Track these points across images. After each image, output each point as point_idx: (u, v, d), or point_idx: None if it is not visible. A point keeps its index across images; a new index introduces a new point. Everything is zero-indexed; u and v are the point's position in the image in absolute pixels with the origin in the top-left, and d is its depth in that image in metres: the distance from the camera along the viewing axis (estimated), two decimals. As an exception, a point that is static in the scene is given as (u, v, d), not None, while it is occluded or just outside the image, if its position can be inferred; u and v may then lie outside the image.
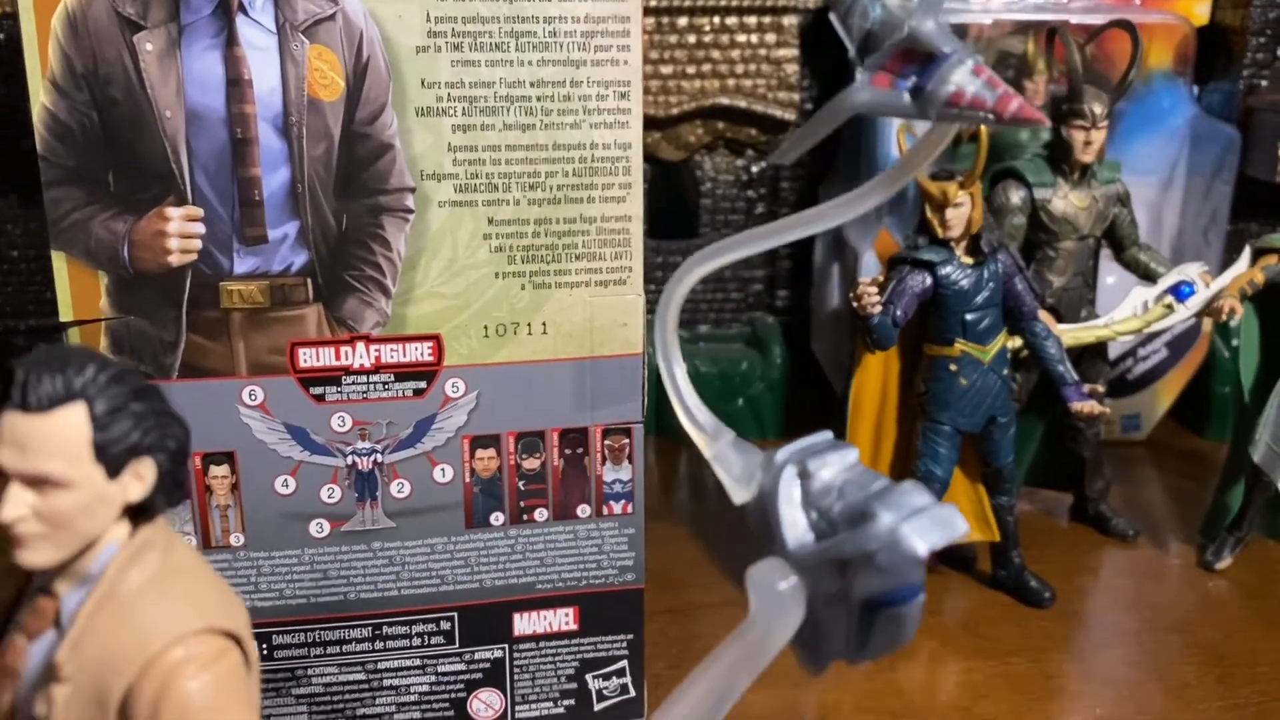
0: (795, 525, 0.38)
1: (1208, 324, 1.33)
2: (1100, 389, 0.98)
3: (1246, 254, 1.00)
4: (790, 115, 1.33)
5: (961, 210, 0.84)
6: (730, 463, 0.40)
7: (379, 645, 0.75)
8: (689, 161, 1.32)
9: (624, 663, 0.79)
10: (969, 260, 0.87)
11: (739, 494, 0.40)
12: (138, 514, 0.37)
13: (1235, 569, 1.04)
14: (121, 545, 0.35)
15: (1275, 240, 0.99)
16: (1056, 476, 1.13)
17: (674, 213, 1.35)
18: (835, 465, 0.38)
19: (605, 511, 0.76)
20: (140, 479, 0.35)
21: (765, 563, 0.38)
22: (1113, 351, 1.13)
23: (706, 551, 1.07)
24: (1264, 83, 1.35)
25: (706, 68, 1.32)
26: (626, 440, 0.76)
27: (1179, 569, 1.05)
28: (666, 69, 1.31)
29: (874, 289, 0.85)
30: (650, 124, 1.30)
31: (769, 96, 1.33)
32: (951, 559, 1.04)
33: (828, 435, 0.40)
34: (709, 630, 0.93)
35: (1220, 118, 1.32)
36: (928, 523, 0.35)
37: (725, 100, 1.31)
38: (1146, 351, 1.32)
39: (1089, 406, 0.90)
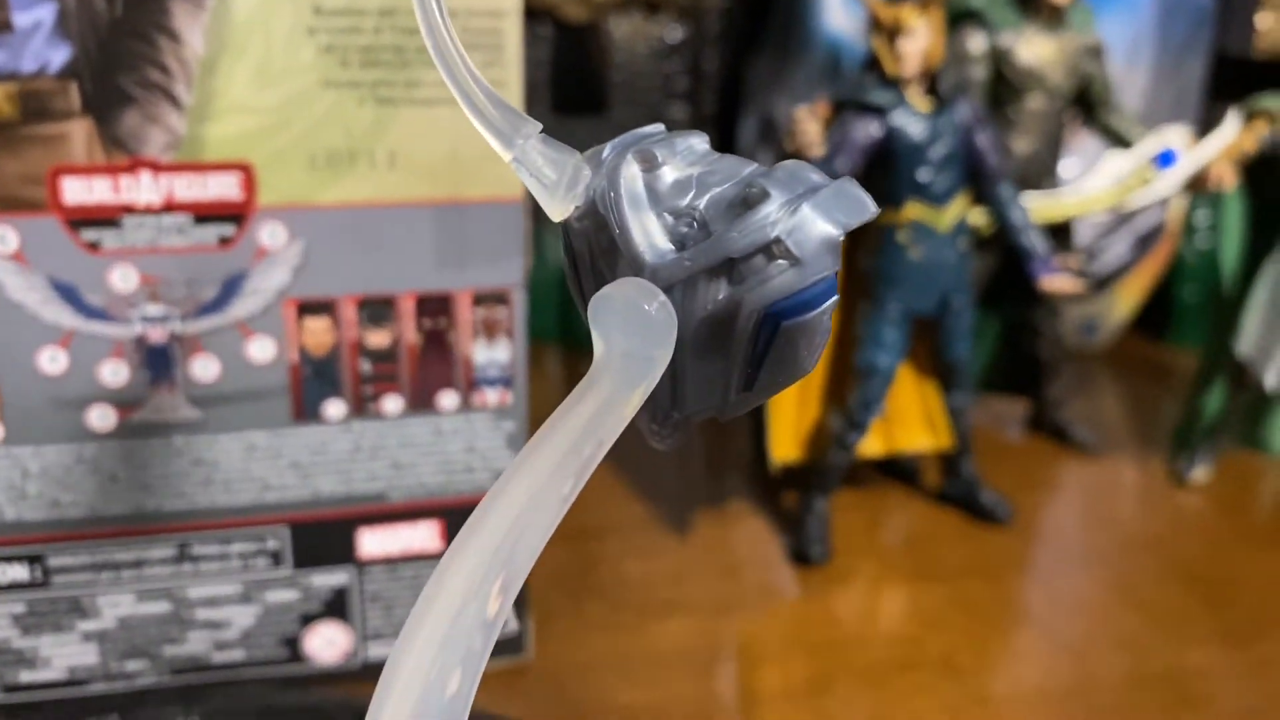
0: (648, 232, 0.27)
1: (1174, 219, 1.21)
2: (1073, 263, 0.85)
3: (1232, 119, 0.87)
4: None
5: (916, 41, 0.69)
6: (538, 167, 0.28)
7: (187, 568, 0.59)
8: (597, 25, 1.15)
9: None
10: (924, 106, 0.72)
11: (556, 207, 0.28)
12: None
13: (1210, 481, 0.92)
14: None
15: (1268, 103, 0.86)
16: (1011, 381, 1.00)
17: (579, 83, 1.18)
18: (684, 155, 0.28)
19: (477, 401, 0.61)
20: None
21: (619, 284, 0.25)
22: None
23: (612, 469, 0.92)
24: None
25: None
26: (504, 310, 0.60)
27: (1150, 482, 0.92)
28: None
29: (814, 124, 0.70)
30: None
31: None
32: (891, 471, 0.91)
33: (660, 126, 0.29)
34: (615, 554, 0.79)
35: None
36: (833, 198, 0.26)
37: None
38: (1105, 245, 1.19)
39: (1060, 282, 0.76)
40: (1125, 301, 1.22)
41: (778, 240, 0.25)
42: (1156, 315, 1.25)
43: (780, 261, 0.25)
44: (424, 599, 0.27)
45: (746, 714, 0.63)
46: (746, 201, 0.26)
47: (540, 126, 0.29)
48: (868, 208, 0.26)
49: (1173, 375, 1.17)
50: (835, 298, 0.26)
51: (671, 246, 0.27)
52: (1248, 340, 0.85)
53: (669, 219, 0.27)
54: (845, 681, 0.65)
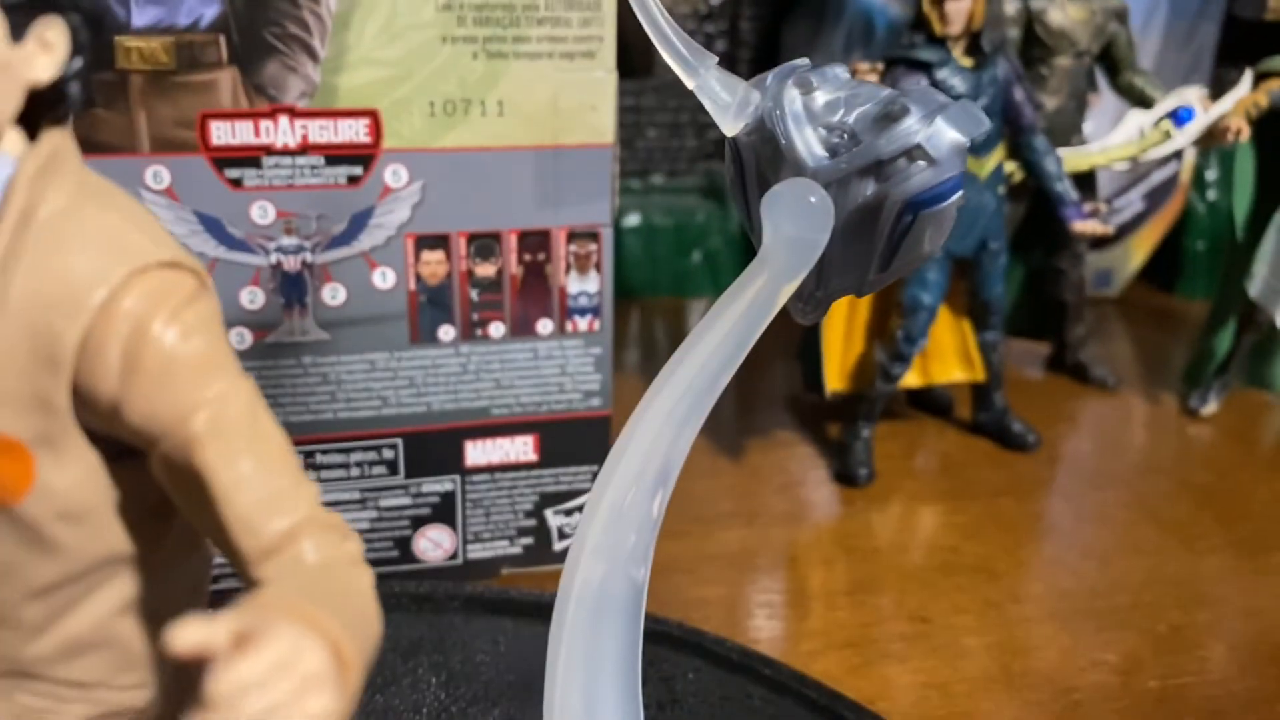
0: (809, 142, 0.34)
1: (1186, 175, 1.27)
2: (1103, 208, 0.92)
3: (1247, 79, 0.94)
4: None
5: (962, 2, 0.76)
6: (716, 92, 0.35)
7: (312, 476, 0.66)
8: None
9: (588, 497, 0.72)
10: (968, 62, 0.78)
11: (729, 124, 0.35)
12: (36, 117, 0.26)
13: (1220, 415, 0.99)
14: (20, 159, 0.24)
15: (1278, 63, 0.93)
16: (1034, 325, 1.07)
17: (623, 48, 1.23)
18: (832, 82, 0.34)
19: (569, 328, 0.68)
20: (48, 49, 0.24)
21: (787, 183, 0.32)
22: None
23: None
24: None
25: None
26: (594, 246, 0.67)
27: (1163, 416, 1.00)
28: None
29: (873, 77, 0.77)
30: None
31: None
32: (927, 405, 0.98)
33: (806, 60, 0.36)
34: (686, 469, 0.85)
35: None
36: (960, 113, 0.32)
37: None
38: (1122, 203, 1.26)
39: (1091, 226, 0.83)
40: (1138, 253, 1.28)
41: (918, 146, 0.32)
42: (1166, 267, 1.31)
43: (920, 163, 0.32)
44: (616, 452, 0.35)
45: (803, 607, 0.70)
46: (889, 116, 0.32)
47: (716, 59, 0.36)
48: (983, 122, 0.33)
49: (1182, 323, 1.24)
50: (962, 192, 0.33)
51: (827, 153, 0.33)
52: (1259, 283, 0.92)
53: (823, 132, 0.34)
54: (890, 582, 0.72)
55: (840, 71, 0.35)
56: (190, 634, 0.16)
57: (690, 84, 0.36)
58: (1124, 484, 0.87)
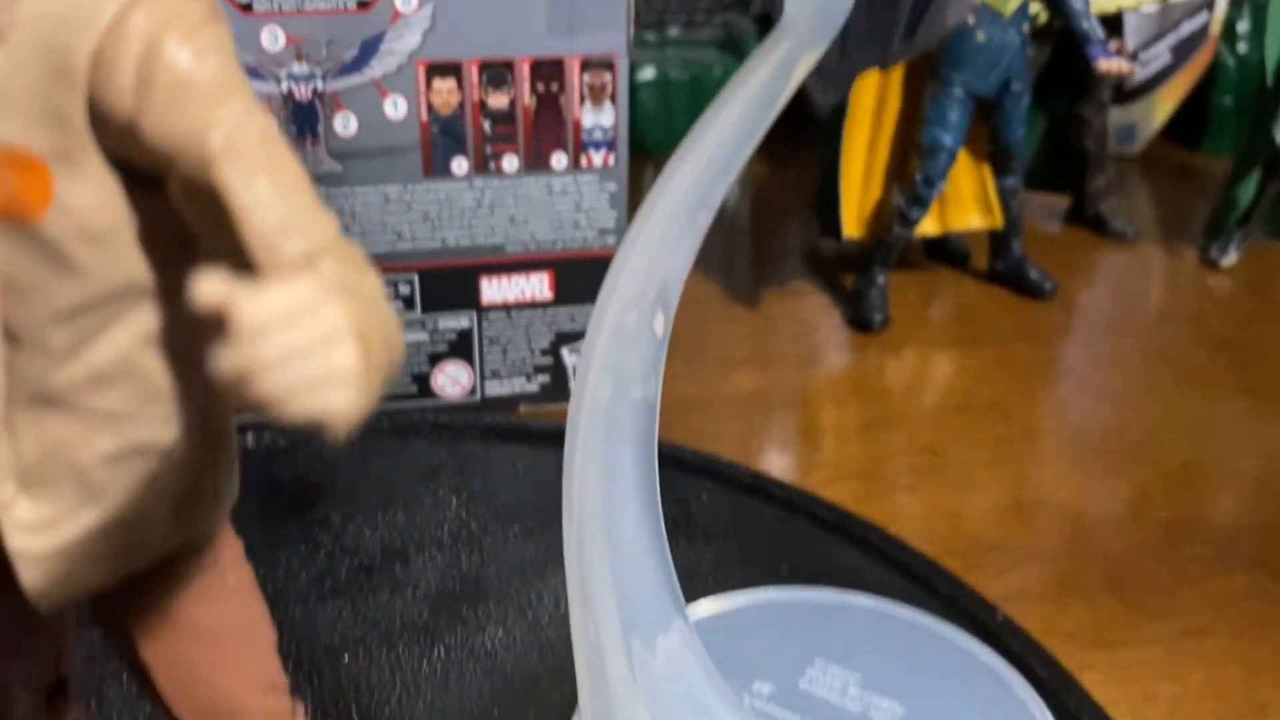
0: None
1: (1216, 27, 1.24)
2: (1128, 47, 0.90)
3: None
4: None
5: None
6: None
7: (329, 310, 0.67)
8: None
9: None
10: (995, -109, 0.76)
11: None
12: None
13: (1239, 267, 0.98)
14: None
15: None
16: (1055, 177, 1.05)
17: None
18: None
19: (584, 163, 0.67)
20: None
21: None
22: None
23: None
24: None
25: None
26: (608, 76, 0.66)
27: (1182, 267, 0.99)
28: None
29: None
30: None
31: None
32: (943, 254, 0.97)
33: None
34: (685, 324, 0.86)
35: None
36: None
37: None
38: (1148, 56, 1.22)
39: (1116, 65, 0.81)
40: (1164, 108, 1.25)
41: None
42: (1192, 123, 1.28)
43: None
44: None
45: (814, 442, 0.71)
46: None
47: None
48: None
49: (1207, 180, 1.21)
50: None
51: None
52: (1286, 127, 0.90)
53: None
54: (902, 420, 0.73)
55: None
56: (213, 284, 0.16)
57: None
58: (1140, 331, 0.87)
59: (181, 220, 0.22)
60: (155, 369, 0.23)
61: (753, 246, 1.02)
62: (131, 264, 0.22)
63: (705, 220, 0.33)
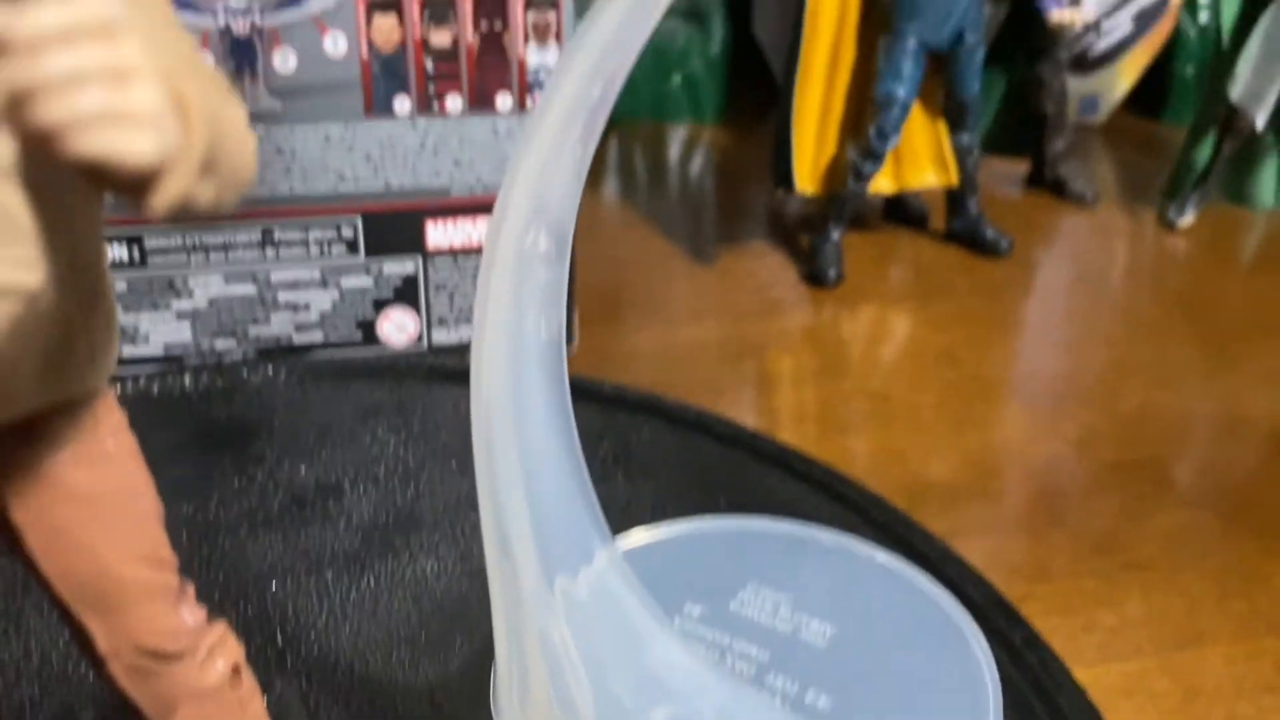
0: None
1: (1176, -3, 1.24)
2: (1079, -2, 0.90)
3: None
4: None
5: None
6: None
7: (270, 253, 0.66)
8: None
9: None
10: None
11: None
12: None
13: (1196, 227, 0.98)
14: None
15: None
16: (1013, 140, 1.06)
17: None
18: None
19: (530, 104, 0.66)
20: None
21: None
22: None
23: (640, 213, 0.99)
24: None
25: None
26: (553, 14, 0.65)
27: (1141, 229, 0.99)
28: None
29: None
30: None
31: None
32: (902, 216, 0.97)
33: None
34: (646, 277, 0.86)
35: None
36: None
37: None
38: (1110, 25, 1.22)
39: (1069, 15, 0.81)
40: (1126, 78, 1.26)
41: None
42: (1154, 93, 1.29)
43: None
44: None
45: (767, 388, 0.70)
46: None
47: None
48: None
49: (1168, 149, 1.21)
50: None
51: None
52: (1240, 85, 0.91)
53: None
54: (853, 368, 0.73)
55: None
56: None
57: None
58: (1095, 287, 0.87)
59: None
60: (16, 204, 0.23)
61: (715, 209, 1.02)
62: None
63: (588, 131, 0.32)
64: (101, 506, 0.27)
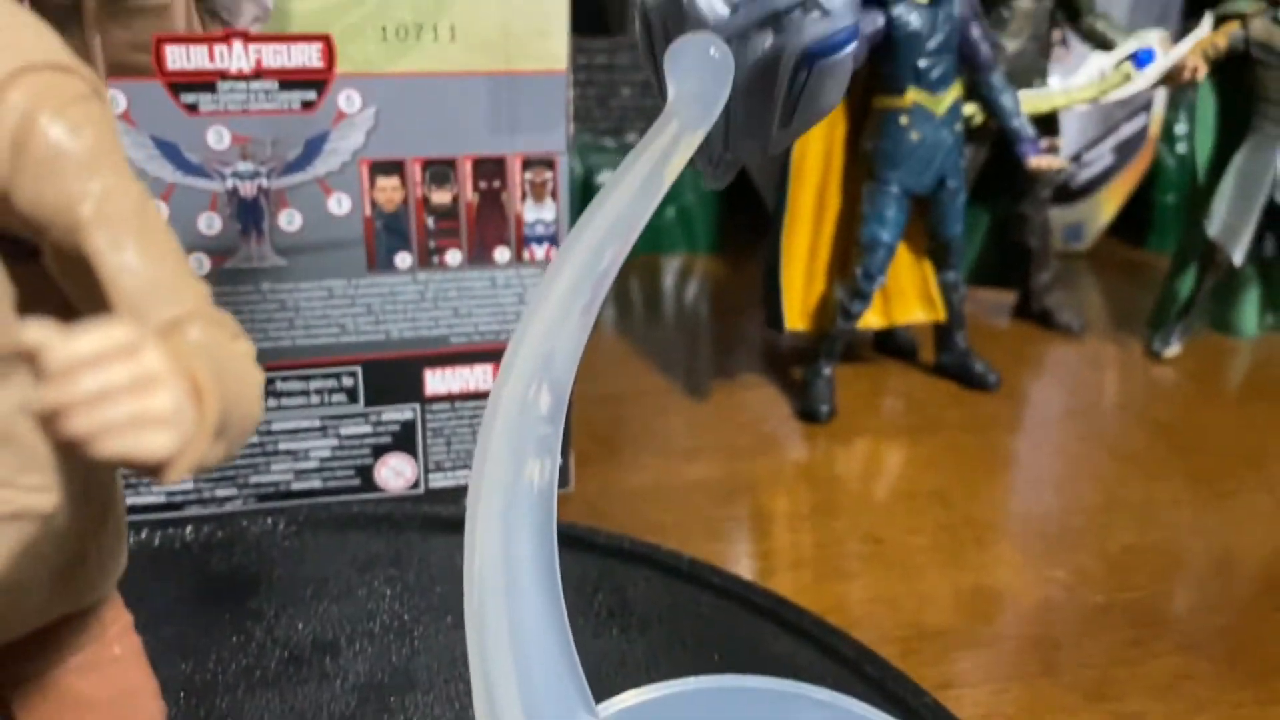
0: (711, 2, 0.35)
1: (1155, 128, 1.28)
2: (1058, 143, 0.93)
3: (1207, 21, 0.94)
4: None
5: (918, -64, 0.76)
6: None
7: (272, 403, 0.67)
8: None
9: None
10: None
11: None
12: None
13: (1182, 357, 1.00)
14: None
15: (1239, 6, 0.93)
16: (1000, 274, 1.08)
17: (595, 6, 1.24)
18: None
19: (526, 256, 0.69)
20: None
21: (689, 36, 0.33)
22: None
23: (635, 346, 1.01)
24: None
25: None
26: (549, 174, 0.68)
27: (1127, 359, 1.01)
28: None
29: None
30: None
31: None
32: (892, 349, 0.99)
33: None
34: (641, 413, 0.87)
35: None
36: None
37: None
38: (1091, 157, 1.26)
39: (1046, 161, 0.84)
40: (1109, 206, 1.29)
41: (812, -2, 0.33)
42: (1137, 220, 1.32)
43: (814, 14, 0.33)
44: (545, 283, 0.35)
45: (760, 530, 0.71)
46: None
47: None
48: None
49: (1152, 275, 1.24)
50: (855, 43, 0.34)
51: (728, 9, 0.34)
52: (1217, 222, 0.93)
53: None
54: (846, 508, 0.74)
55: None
56: (36, 330, 0.17)
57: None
58: (1083, 420, 0.88)
59: (61, 290, 0.23)
60: (34, 435, 0.24)
61: (709, 341, 1.04)
62: (10, 332, 0.23)
63: (593, 298, 0.34)
64: (105, 712, 0.28)
